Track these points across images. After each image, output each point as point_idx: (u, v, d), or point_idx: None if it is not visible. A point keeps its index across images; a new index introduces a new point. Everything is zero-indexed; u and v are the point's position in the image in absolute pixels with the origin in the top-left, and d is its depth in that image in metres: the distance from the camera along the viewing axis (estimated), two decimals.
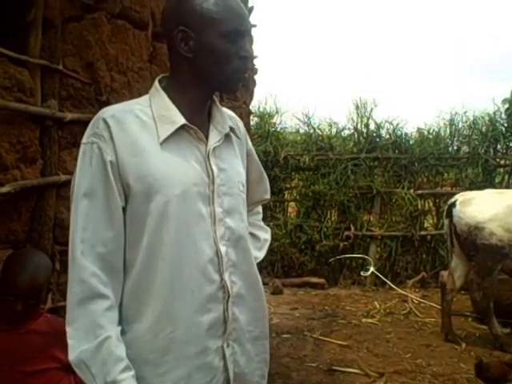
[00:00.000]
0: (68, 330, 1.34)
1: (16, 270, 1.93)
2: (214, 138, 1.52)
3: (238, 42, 1.47)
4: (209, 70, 1.49)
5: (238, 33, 1.47)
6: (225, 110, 1.63)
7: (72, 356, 1.33)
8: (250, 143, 1.74)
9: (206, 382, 1.45)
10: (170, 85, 1.53)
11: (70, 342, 1.33)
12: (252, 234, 1.72)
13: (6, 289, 1.92)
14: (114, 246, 1.39)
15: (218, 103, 1.59)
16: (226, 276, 1.47)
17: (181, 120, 1.46)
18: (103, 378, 1.32)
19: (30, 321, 1.97)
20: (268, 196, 1.88)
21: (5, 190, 2.14)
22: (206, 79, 1.50)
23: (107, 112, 1.45)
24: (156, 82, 1.54)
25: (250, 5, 4.94)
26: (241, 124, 1.70)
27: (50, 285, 2.17)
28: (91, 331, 1.33)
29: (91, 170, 1.40)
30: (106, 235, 1.38)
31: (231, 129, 1.59)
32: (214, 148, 1.50)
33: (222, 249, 1.47)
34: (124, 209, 1.42)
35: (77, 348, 1.33)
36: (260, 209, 1.88)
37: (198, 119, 1.51)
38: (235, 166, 1.58)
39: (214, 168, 1.49)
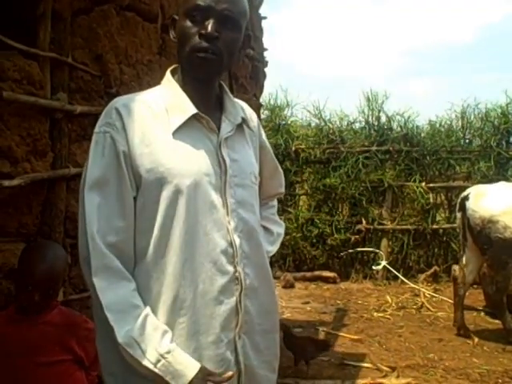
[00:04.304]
0: (108, 315, 1.33)
1: (34, 261, 1.94)
2: (226, 128, 1.51)
3: (201, 21, 1.42)
4: (178, 54, 1.49)
5: (199, 9, 1.42)
6: (238, 101, 1.62)
7: (120, 338, 1.33)
8: (263, 135, 1.72)
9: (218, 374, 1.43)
10: (179, 75, 1.53)
11: (113, 325, 1.33)
12: (265, 228, 1.71)
13: (24, 279, 1.92)
14: (126, 235, 1.40)
15: (230, 94, 1.58)
16: (240, 268, 1.46)
17: (192, 109, 1.45)
18: (155, 352, 1.33)
19: (45, 312, 1.98)
20: (282, 190, 1.87)
21: (15, 182, 2.13)
22: (181, 65, 1.50)
23: (120, 101, 1.46)
24: (168, 73, 1.54)
25: None
26: (254, 116, 1.68)
27: (65, 277, 2.17)
28: (129, 312, 1.35)
29: (104, 159, 1.40)
30: (118, 224, 1.39)
31: (244, 120, 1.57)
32: (225, 138, 1.49)
33: (237, 240, 1.46)
34: (135, 198, 1.41)
35: (122, 329, 1.33)
36: (275, 202, 1.86)
37: (209, 109, 1.49)
38: (247, 158, 1.56)
39: (227, 158, 1.48)
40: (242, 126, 1.57)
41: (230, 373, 1.41)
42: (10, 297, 2.10)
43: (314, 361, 4.24)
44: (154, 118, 1.44)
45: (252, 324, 1.51)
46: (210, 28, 1.41)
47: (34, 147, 2.27)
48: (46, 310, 1.98)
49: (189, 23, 1.43)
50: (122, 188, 1.39)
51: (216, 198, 1.44)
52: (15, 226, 2.25)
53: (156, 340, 1.34)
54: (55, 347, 1.97)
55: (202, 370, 1.36)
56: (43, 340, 1.95)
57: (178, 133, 1.43)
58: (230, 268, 1.44)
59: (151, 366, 1.32)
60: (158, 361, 1.33)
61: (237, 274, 1.45)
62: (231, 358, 1.47)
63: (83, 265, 1.40)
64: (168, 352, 1.34)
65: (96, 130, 1.44)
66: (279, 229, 1.80)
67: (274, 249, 1.74)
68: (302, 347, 4.09)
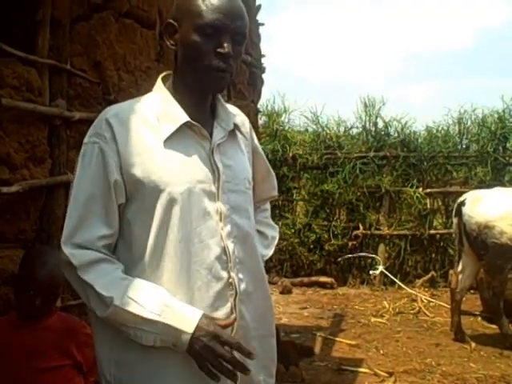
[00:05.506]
0: (102, 293, 1.34)
1: (36, 266, 1.96)
2: (218, 134, 1.51)
3: (216, 38, 1.41)
4: (183, 66, 1.48)
5: (215, 28, 1.41)
6: (230, 107, 1.61)
7: (117, 301, 1.33)
8: (255, 140, 1.73)
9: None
10: (171, 82, 1.53)
11: (109, 295, 1.34)
12: (259, 232, 1.71)
13: (25, 284, 1.93)
14: (110, 241, 1.42)
15: (222, 100, 1.58)
16: (234, 273, 1.47)
17: (184, 117, 1.45)
18: (156, 302, 1.34)
19: (45, 317, 1.99)
20: (275, 193, 1.87)
21: (14, 189, 2.14)
22: (184, 76, 1.49)
23: (110, 112, 1.46)
24: (159, 80, 1.54)
25: (257, 3, 4.92)
26: (246, 121, 1.69)
27: (65, 283, 2.18)
28: (120, 283, 1.37)
29: (91, 170, 1.41)
30: (102, 233, 1.40)
31: (236, 126, 1.57)
32: (218, 145, 1.50)
33: (230, 246, 1.47)
34: (125, 206, 1.42)
35: (117, 294, 1.34)
36: (268, 206, 1.86)
37: (202, 116, 1.50)
38: (241, 163, 1.57)
39: (219, 164, 1.48)
40: (234, 132, 1.57)
41: (232, 316, 1.44)
42: (9, 303, 2.11)
43: (311, 366, 4.24)
44: (146, 127, 1.44)
45: (248, 329, 1.51)
46: (227, 48, 1.41)
47: (33, 154, 2.28)
48: (46, 315, 1.99)
49: (201, 39, 1.41)
50: (108, 198, 1.40)
51: (209, 204, 1.45)
52: (14, 232, 2.26)
53: (153, 293, 1.36)
54: (55, 352, 1.97)
55: (205, 314, 1.37)
56: (43, 345, 1.95)
57: (170, 141, 1.43)
58: (224, 274, 1.45)
59: (156, 317, 1.33)
60: (162, 310, 1.34)
61: (231, 280, 1.45)
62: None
63: (64, 267, 1.41)
64: (169, 300, 1.36)
65: (85, 140, 1.45)
66: (273, 232, 1.80)
67: (269, 252, 1.74)
68: (284, 352, 4.03)
